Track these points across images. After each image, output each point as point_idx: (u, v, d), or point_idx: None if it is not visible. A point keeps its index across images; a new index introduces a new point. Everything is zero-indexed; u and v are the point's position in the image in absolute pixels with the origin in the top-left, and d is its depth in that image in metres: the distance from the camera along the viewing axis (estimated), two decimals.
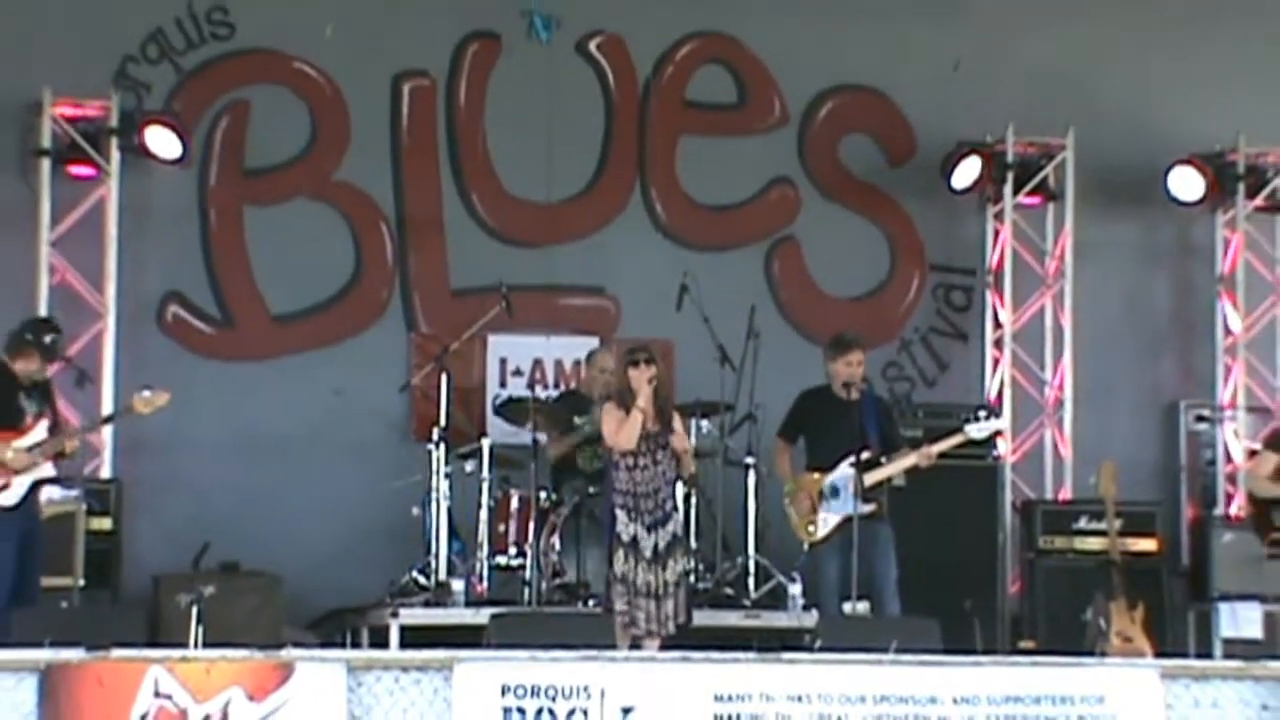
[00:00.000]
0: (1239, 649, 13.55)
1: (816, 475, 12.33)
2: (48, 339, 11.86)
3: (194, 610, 11.56)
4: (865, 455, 12.22)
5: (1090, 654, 12.17)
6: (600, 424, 11.97)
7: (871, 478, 12.23)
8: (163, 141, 14.04)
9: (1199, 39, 15.20)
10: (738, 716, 9.55)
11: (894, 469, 12.39)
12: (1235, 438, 15.01)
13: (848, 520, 12.18)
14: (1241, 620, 14.12)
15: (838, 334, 12.93)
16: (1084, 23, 15.19)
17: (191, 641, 11.18)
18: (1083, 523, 14.07)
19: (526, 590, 12.81)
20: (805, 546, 12.36)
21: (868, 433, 12.33)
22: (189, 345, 14.42)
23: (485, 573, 12.99)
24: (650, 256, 14.80)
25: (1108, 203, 15.14)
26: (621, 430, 11.60)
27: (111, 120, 13.98)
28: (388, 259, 14.74)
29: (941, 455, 12.38)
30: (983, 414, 12.80)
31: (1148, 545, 14.06)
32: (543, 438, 13.26)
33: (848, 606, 12.15)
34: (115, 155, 13.99)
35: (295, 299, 14.57)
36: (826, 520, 12.26)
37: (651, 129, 15.08)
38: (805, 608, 12.90)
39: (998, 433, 13.39)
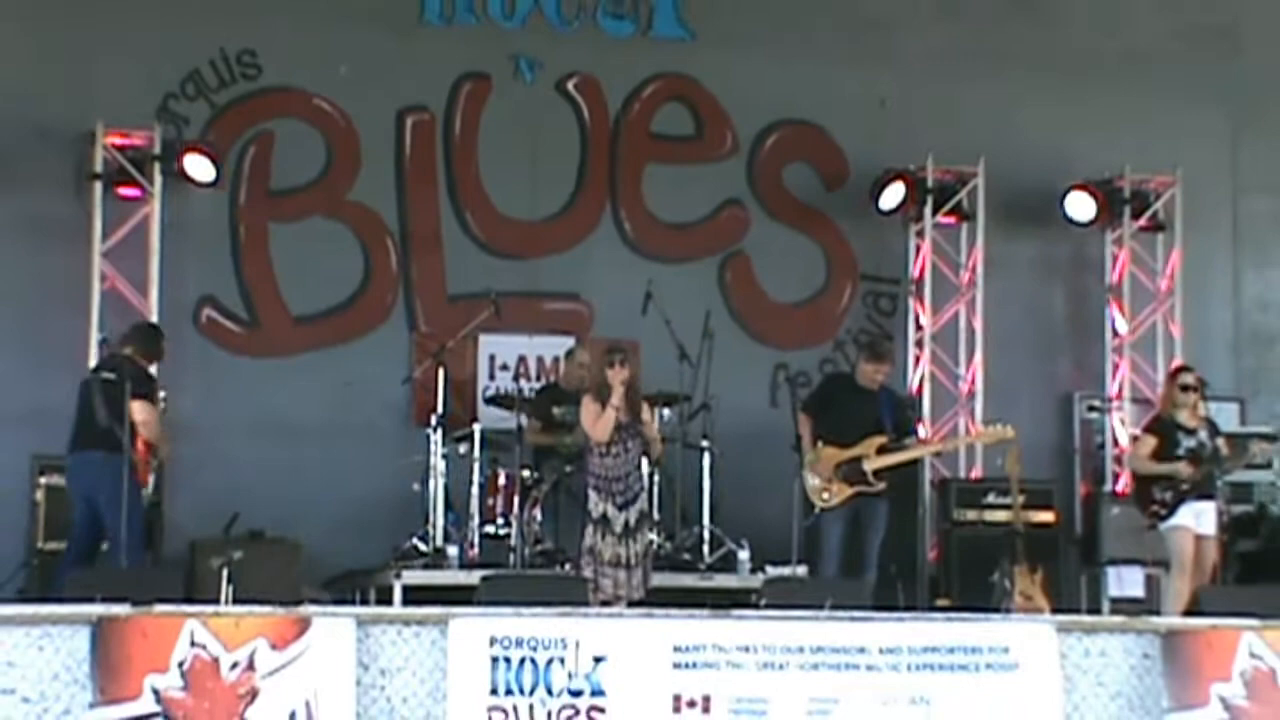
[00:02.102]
0: (1124, 606, 13.60)
1: (833, 449, 12.38)
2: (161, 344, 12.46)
3: (225, 572, 11.58)
4: (881, 440, 12.32)
5: (997, 611, 12.19)
6: (578, 415, 12.01)
7: (891, 460, 12.34)
8: (199, 167, 14.01)
9: (1092, 82, 15.22)
10: (693, 664, 9.54)
11: (915, 455, 12.69)
12: (1122, 425, 15.04)
13: (856, 494, 12.28)
14: (1126, 582, 14.16)
15: (876, 342, 13.63)
16: (994, 67, 15.21)
17: (223, 599, 11.19)
18: (991, 498, 14.10)
19: (512, 555, 12.80)
20: (815, 510, 12.40)
21: (883, 420, 12.43)
22: (221, 343, 14.40)
23: (476, 540, 12.98)
24: (620, 267, 14.79)
25: (1013, 222, 15.15)
26: (597, 424, 11.60)
27: (155, 148, 13.94)
28: (392, 269, 14.72)
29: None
30: (995, 426, 13.11)
31: (1046, 517, 14.08)
32: (524, 421, 13.29)
33: (787, 570, 12.24)
34: (158, 179, 13.95)
35: (313, 303, 14.55)
36: (838, 491, 12.33)
37: (621, 157, 15.08)
38: (751, 571, 12.95)
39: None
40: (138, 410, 11.79)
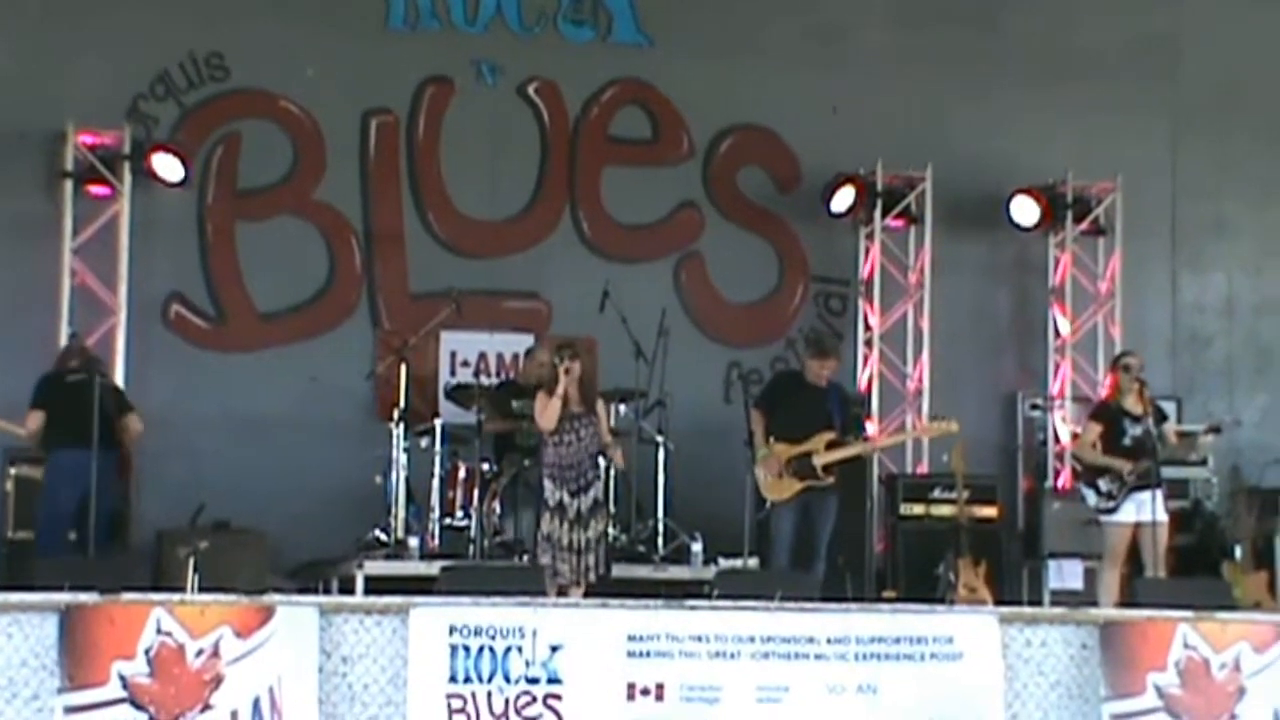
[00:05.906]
0: (1064, 598, 13.61)
1: (784, 445, 12.39)
2: None
3: (191, 561, 11.53)
4: (829, 436, 12.34)
5: (941, 602, 12.24)
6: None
7: (839, 455, 12.37)
8: (167, 166, 13.96)
9: (1037, 90, 15.25)
10: (647, 654, 9.57)
11: (862, 450, 12.68)
12: (1063, 423, 15.08)
13: (806, 488, 12.29)
14: (1066, 574, 14.17)
15: (821, 339, 13.46)
16: (942, 75, 15.23)
17: (189, 587, 11.14)
18: (937, 493, 14.09)
19: (471, 547, 12.77)
20: (768, 504, 12.41)
21: (832, 416, 12.45)
22: (188, 338, 14.35)
23: (437, 531, 12.96)
24: (578, 267, 14.78)
25: (959, 226, 15.17)
26: (544, 413, 11.64)
27: (124, 148, 13.90)
28: (357, 267, 14.69)
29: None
30: (940, 421, 13.17)
31: (990, 512, 14.06)
32: (481, 417, 13.26)
33: (739, 562, 12.25)
34: (127, 177, 13.91)
35: (278, 300, 14.51)
36: (789, 485, 12.35)
37: (580, 160, 15.06)
38: (704, 563, 12.95)
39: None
40: (137, 421, 12.42)
